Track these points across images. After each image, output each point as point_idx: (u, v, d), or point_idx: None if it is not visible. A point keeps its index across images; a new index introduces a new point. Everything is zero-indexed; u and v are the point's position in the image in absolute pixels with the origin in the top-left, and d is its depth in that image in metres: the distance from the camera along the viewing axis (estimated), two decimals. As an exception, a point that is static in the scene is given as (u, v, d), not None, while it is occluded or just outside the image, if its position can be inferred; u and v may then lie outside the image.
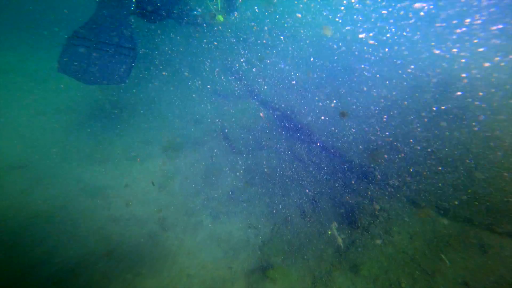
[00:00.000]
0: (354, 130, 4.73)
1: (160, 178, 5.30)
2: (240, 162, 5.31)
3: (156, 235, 4.37)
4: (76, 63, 4.45)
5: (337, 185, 4.46)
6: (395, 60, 6.00)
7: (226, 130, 5.67)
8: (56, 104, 6.95)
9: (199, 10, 6.16)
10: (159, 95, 6.92)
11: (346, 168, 4.44)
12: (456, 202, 3.52)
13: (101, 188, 5.08)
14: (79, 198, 4.89)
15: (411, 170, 4.05)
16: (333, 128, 4.90)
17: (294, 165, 5.01)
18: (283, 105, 5.60)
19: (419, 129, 4.30)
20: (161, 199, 4.99)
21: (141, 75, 7.55)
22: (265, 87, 6.17)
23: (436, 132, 4.31)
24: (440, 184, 3.77)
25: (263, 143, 5.38)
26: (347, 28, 8.85)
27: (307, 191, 4.59)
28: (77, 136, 6.10)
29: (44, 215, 4.54)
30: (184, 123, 6.12)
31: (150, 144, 5.90)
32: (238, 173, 5.18)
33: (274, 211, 4.55)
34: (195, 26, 6.39)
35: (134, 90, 7.10)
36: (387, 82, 5.37)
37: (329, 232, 3.14)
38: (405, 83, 5.33)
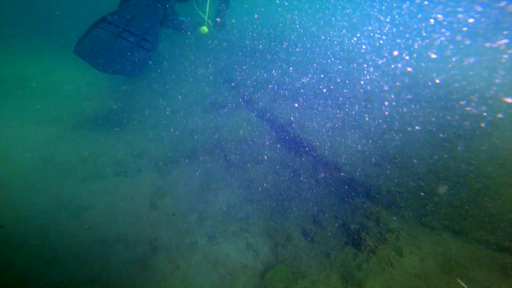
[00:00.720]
0: (359, 147, 4.61)
1: (151, 195, 4.93)
2: (237, 177, 5.05)
3: (147, 258, 3.98)
4: (95, 48, 4.16)
5: (340, 202, 4.27)
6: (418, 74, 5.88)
7: (223, 143, 5.42)
8: (37, 114, 6.51)
9: (187, 19, 6.02)
10: (151, 104, 6.62)
11: (349, 185, 4.26)
12: (467, 221, 3.39)
13: (85, 207, 4.65)
14: (59, 218, 4.44)
15: (419, 188, 3.92)
16: (335, 143, 4.76)
17: (294, 181, 4.79)
18: (282, 117, 5.43)
19: (426, 144, 4.22)
20: (152, 218, 4.62)
21: (131, 85, 7.26)
22: (263, 97, 6.00)
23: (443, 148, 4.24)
24: (448, 203, 3.65)
25: (261, 157, 5.16)
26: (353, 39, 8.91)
27: (308, 209, 4.36)
28: (59, 149, 5.66)
29: (17, 237, 4.06)
30: (177, 135, 5.82)
31: (141, 158, 5.54)
32: (235, 189, 4.90)
33: (274, 230, 4.28)
34: (178, 31, 6.20)
35: (125, 100, 6.78)
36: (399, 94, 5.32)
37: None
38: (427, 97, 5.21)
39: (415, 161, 4.07)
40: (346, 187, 4.25)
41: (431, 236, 3.42)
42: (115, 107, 6.61)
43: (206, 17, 6.29)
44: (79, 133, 6.03)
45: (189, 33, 6.24)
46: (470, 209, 3.46)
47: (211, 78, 7.32)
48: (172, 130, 5.97)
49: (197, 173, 5.22)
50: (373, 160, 4.33)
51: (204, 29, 6.27)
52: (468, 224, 3.35)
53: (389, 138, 4.58)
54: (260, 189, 4.82)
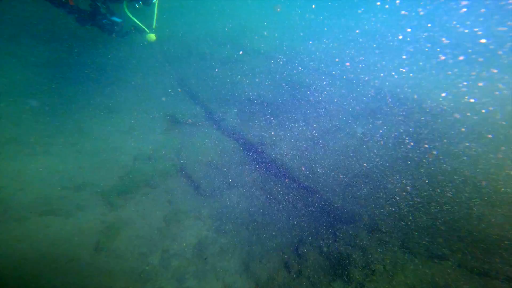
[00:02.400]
0: (333, 169, 4.52)
1: (99, 236, 4.02)
2: (207, 206, 4.48)
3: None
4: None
5: (320, 231, 4.06)
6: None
7: (188, 167, 4.82)
8: None
9: (120, 19, 5.48)
10: (94, 123, 5.60)
11: (328, 211, 4.10)
12: (457, 247, 3.43)
13: (6, 255, 3.52)
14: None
15: (400, 211, 3.95)
16: (309, 163, 4.61)
17: (270, 206, 4.46)
18: (251, 135, 5.12)
19: (408, 162, 4.33)
20: (101, 264, 3.73)
21: (66, 99, 6.12)
22: (230, 112, 5.60)
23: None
24: (435, 226, 3.72)
25: (233, 181, 4.71)
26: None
27: (288, 238, 4.05)
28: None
29: None
30: (130, 160, 4.98)
31: (81, 191, 4.54)
32: (205, 220, 4.32)
33: (254, 265, 3.83)
34: (109, 32, 5.65)
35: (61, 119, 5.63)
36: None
37: None
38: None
39: (397, 176, 4.12)
40: (325, 212, 4.09)
41: (417, 264, 3.40)
42: (48, 127, 5.44)
43: (154, 22, 5.78)
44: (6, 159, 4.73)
45: (114, 35, 5.71)
46: (452, 233, 3.55)
47: (170, 90, 6.65)
48: (124, 154, 5.11)
49: (158, 204, 4.49)
50: (349, 180, 4.29)
51: (152, 36, 5.73)
52: (450, 250, 3.42)
53: (367, 156, 4.64)
54: (234, 218, 4.35)
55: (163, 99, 6.30)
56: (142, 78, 6.95)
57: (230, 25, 10.37)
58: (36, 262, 3.64)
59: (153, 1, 5.50)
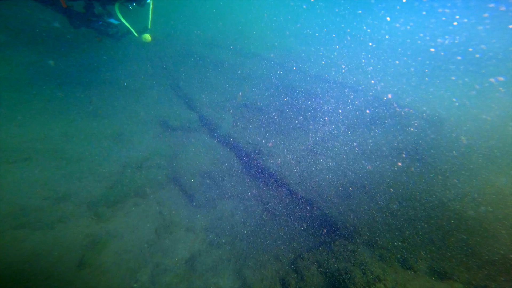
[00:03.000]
0: (330, 177, 4.51)
1: (84, 250, 3.72)
2: (200, 217, 4.30)
3: None
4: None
5: (318, 243, 3.99)
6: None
7: (180, 176, 4.63)
8: None
9: (117, 22, 5.35)
10: (80, 128, 5.30)
11: (326, 225, 4.05)
12: (447, 262, 3.45)
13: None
14: None
15: (401, 225, 3.96)
16: (307, 173, 4.57)
17: (266, 217, 4.34)
18: (247, 143, 5.03)
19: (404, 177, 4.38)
20: (84, 281, 3.43)
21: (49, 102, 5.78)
22: (225, 118, 5.49)
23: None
24: (427, 241, 3.74)
25: (228, 191, 4.57)
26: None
27: (285, 251, 3.93)
28: None
29: None
30: (119, 167, 4.72)
31: (65, 202, 4.22)
32: (198, 232, 4.13)
33: (250, 280, 3.66)
34: (103, 34, 5.49)
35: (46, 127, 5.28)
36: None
37: None
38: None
39: (391, 190, 4.15)
40: (322, 226, 4.03)
41: (417, 281, 3.38)
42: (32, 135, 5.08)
43: (149, 23, 5.65)
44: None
45: (98, 38, 5.56)
46: (449, 248, 3.58)
47: (162, 93, 6.45)
48: (112, 161, 4.84)
49: (149, 215, 4.25)
50: (347, 190, 4.28)
51: (147, 37, 5.57)
52: (449, 265, 3.44)
53: (361, 167, 4.66)
54: (228, 230, 4.19)
55: (154, 102, 6.10)
56: (133, 81, 6.73)
57: (226, 26, 10.40)
58: (9, 280, 3.31)
59: (147, 1, 5.39)
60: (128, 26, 5.33)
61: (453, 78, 7.27)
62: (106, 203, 4.32)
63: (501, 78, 7.30)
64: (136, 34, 5.41)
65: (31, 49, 7.29)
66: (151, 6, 5.61)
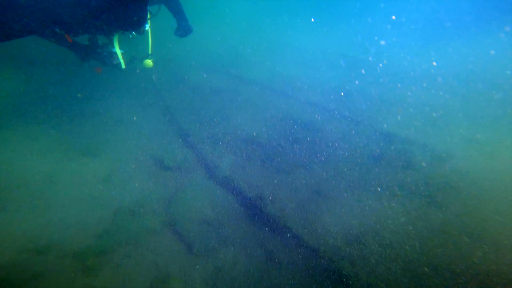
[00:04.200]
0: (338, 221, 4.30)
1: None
2: (199, 268, 3.94)
3: None
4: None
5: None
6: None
7: (177, 222, 4.29)
8: None
9: (122, 50, 5.36)
10: (66, 169, 4.89)
11: (335, 278, 3.80)
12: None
13: None
14: None
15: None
16: (313, 218, 4.35)
17: (271, 269, 4.04)
18: (248, 185, 4.79)
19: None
20: None
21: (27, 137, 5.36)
22: (224, 157, 5.25)
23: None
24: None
25: (228, 237, 4.26)
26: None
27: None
28: None
29: None
30: (110, 213, 4.34)
31: (48, 253, 3.79)
32: (197, 285, 3.77)
33: None
34: (107, 65, 5.51)
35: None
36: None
37: None
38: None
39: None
40: (331, 279, 3.77)
41: None
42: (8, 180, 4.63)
43: (149, 49, 5.78)
44: None
45: (98, 70, 5.58)
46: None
47: (156, 127, 6.15)
48: (99, 207, 4.45)
49: (142, 267, 3.87)
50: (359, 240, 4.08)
51: (149, 62, 5.67)
52: None
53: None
54: (230, 282, 3.85)
55: (147, 138, 5.81)
56: (126, 112, 6.44)
57: (224, 50, 10.38)
58: None
59: (146, 28, 5.50)
60: (119, 55, 5.25)
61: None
62: (94, 254, 3.91)
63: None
64: (123, 66, 5.38)
65: (18, 77, 6.93)
66: (149, 33, 5.73)
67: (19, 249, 3.81)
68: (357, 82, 8.71)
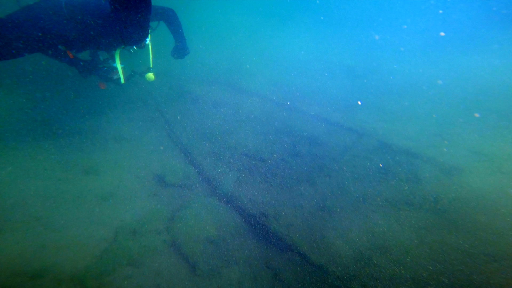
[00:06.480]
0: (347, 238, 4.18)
1: None
2: (203, 290, 3.78)
3: None
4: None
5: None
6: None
7: (178, 241, 4.15)
8: None
9: (122, 65, 5.37)
10: (64, 188, 4.77)
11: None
12: None
13: None
14: None
15: None
16: (319, 235, 4.23)
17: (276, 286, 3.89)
18: (253, 204, 4.68)
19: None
20: None
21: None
22: (226, 174, 5.15)
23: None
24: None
25: (232, 257, 4.12)
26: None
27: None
28: None
29: None
30: (110, 233, 4.20)
31: (45, 276, 3.63)
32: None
33: None
34: (108, 81, 5.52)
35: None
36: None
37: None
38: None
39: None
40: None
41: None
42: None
43: (150, 63, 5.78)
44: None
45: (102, 86, 5.56)
46: None
47: (157, 142, 6.05)
48: (100, 226, 4.31)
49: (143, 290, 3.70)
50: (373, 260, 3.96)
51: (151, 76, 5.68)
52: None
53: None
54: (235, 304, 3.69)
55: (148, 154, 5.72)
56: (126, 127, 6.36)
57: (226, 61, 10.39)
58: None
59: (147, 42, 5.54)
60: (120, 70, 5.25)
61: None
62: (93, 276, 3.75)
63: (477, 115, 7.52)
64: (122, 81, 5.36)
65: (17, 92, 6.88)
66: (150, 47, 5.76)
67: (14, 271, 3.65)
68: (360, 93, 8.74)
